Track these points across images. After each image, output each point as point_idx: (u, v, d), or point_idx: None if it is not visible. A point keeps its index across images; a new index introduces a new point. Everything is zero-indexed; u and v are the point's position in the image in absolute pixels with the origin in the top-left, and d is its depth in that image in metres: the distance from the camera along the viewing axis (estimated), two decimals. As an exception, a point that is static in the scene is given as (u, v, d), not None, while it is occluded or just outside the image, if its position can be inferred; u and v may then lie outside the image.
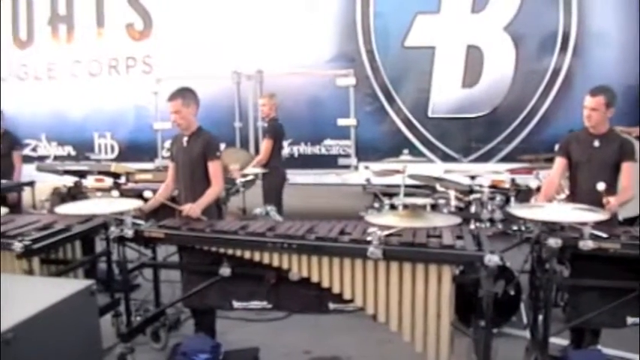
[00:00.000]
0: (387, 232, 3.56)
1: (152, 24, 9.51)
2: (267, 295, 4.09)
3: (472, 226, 5.31)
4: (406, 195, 5.71)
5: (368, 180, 6.19)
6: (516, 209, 4.31)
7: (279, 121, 7.40)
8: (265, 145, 7.18)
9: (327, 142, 8.56)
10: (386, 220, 3.74)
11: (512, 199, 5.96)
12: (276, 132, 7.27)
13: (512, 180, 6.62)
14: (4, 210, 4.76)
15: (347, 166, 8.40)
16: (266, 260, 3.86)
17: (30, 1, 10.24)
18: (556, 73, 7.78)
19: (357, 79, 8.36)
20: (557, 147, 4.56)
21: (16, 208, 6.80)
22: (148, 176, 6.96)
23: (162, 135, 8.97)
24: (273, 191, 7.10)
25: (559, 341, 4.33)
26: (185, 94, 4.68)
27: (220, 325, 4.78)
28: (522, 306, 4.87)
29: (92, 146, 9.93)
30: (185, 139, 4.70)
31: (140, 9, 9.51)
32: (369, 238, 3.54)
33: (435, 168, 7.50)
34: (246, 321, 5.19)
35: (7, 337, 2.45)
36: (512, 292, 4.73)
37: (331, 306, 3.98)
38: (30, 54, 10.40)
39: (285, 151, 8.27)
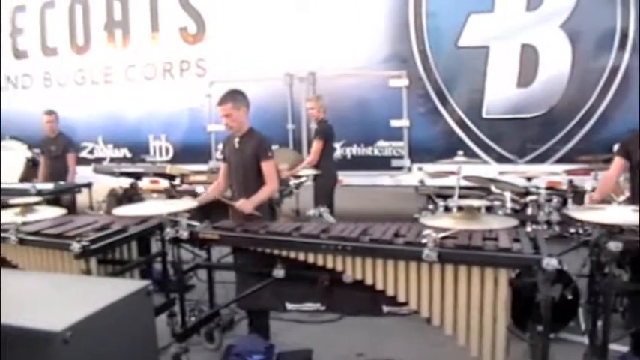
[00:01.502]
0: (442, 235, 3.52)
1: (205, 27, 9.60)
2: (321, 296, 4.09)
3: (528, 229, 5.21)
4: (460, 197, 5.64)
5: (422, 181, 6.11)
6: (575, 211, 4.21)
7: (328, 122, 7.40)
8: (315, 146, 7.19)
9: (380, 143, 8.51)
10: (441, 222, 3.69)
11: (570, 201, 5.84)
12: (326, 133, 7.28)
13: (570, 181, 6.47)
14: (63, 211, 4.87)
15: (400, 168, 8.34)
16: (320, 262, 3.85)
17: (87, 7, 10.48)
18: (614, 71, 7.56)
19: (410, 80, 8.28)
20: (616, 147, 4.45)
21: (71, 209, 6.95)
22: (203, 178, 7.01)
23: (216, 137, 9.05)
24: (325, 193, 7.11)
25: (618, 348, 4.20)
26: (235, 96, 4.71)
27: (273, 327, 4.80)
28: (580, 311, 4.75)
29: (147, 148, 10.08)
30: (236, 140, 4.73)
31: (193, 13, 9.61)
32: (424, 241, 3.50)
33: (490, 169, 7.40)
34: (299, 322, 5.19)
35: (65, 336, 2.49)
36: (569, 297, 4.63)
37: (385, 308, 3.96)
38: (87, 59, 10.63)
39: (338, 152, 8.28)
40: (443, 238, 3.53)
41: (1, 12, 11.30)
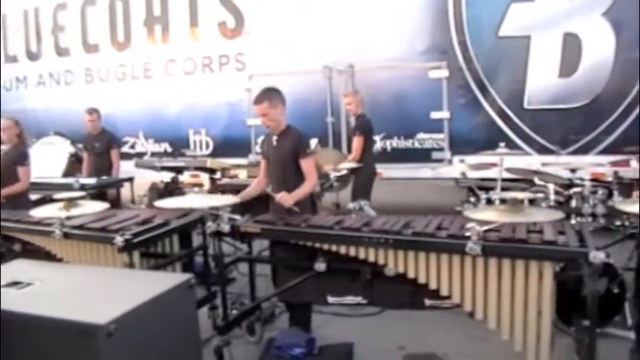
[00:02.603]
0: (485, 228, 3.47)
1: (244, 22, 9.62)
2: (362, 290, 4.07)
3: (573, 221, 5.12)
4: (502, 189, 5.57)
5: (463, 174, 6.05)
6: (621, 204, 4.12)
7: (366, 116, 7.38)
8: (356, 142, 7.18)
9: (420, 135, 8.44)
10: (484, 215, 3.64)
11: (616, 192, 5.71)
12: (365, 128, 7.26)
13: (615, 173, 6.34)
14: (106, 205, 4.92)
15: (440, 160, 8.26)
16: (361, 255, 3.84)
17: (127, 4, 10.59)
18: (659, 59, 7.39)
19: (450, 71, 8.20)
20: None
21: (115, 203, 7.04)
22: (243, 171, 7.05)
23: (256, 131, 9.07)
24: (363, 186, 7.09)
25: (666, 343, 4.12)
26: (271, 95, 4.72)
27: (314, 320, 4.82)
28: (627, 305, 4.65)
29: (187, 143, 10.15)
30: (275, 138, 4.74)
31: (232, 7, 9.65)
32: (467, 234, 3.45)
33: (532, 161, 7.30)
34: (340, 316, 5.19)
35: (109, 329, 2.52)
36: (615, 291, 4.54)
37: (427, 302, 3.93)
38: (127, 55, 10.75)
39: (378, 145, 8.23)
40: (486, 231, 3.48)
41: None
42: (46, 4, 11.42)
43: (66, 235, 4.46)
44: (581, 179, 5.81)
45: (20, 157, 6.20)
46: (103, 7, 10.79)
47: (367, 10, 8.68)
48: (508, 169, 6.09)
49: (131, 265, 4.15)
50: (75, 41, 11.21)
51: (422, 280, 3.69)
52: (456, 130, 8.27)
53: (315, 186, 4.80)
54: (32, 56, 11.80)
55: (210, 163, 7.20)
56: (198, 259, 5.06)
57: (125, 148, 10.14)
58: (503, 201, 3.97)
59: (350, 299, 4.15)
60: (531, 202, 5.32)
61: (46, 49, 11.58)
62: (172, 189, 7.12)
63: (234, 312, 4.68)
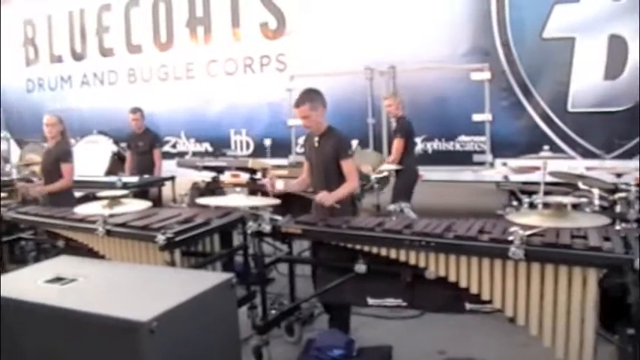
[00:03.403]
0: (529, 232, 3.42)
1: (285, 23, 9.65)
2: (403, 292, 4.05)
3: (618, 227, 5.02)
4: (544, 193, 5.49)
5: (505, 177, 5.98)
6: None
7: (407, 119, 7.34)
8: (396, 144, 7.16)
9: (462, 138, 8.35)
10: (527, 220, 3.59)
11: (663, 199, 5.59)
12: (406, 130, 7.24)
13: (662, 179, 6.21)
14: (148, 204, 4.98)
15: (482, 163, 8.17)
16: (402, 258, 3.82)
17: (169, 5, 10.71)
18: None
19: (493, 74, 8.08)
20: None
21: (156, 202, 7.12)
22: (284, 172, 7.06)
23: (296, 131, 9.08)
24: (405, 189, 7.06)
25: None
26: (312, 97, 4.70)
27: (353, 322, 4.80)
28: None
29: (228, 143, 10.21)
30: (316, 139, 4.73)
31: (274, 8, 9.69)
32: (510, 238, 3.41)
33: (576, 164, 7.17)
34: (380, 318, 5.16)
35: (151, 326, 2.54)
36: (661, 299, 4.43)
37: (468, 306, 3.88)
38: (170, 55, 10.87)
39: (419, 147, 8.18)
40: (530, 235, 3.43)
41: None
42: (91, 6, 11.63)
43: (108, 233, 4.54)
44: (627, 184, 5.68)
45: (63, 154, 6.29)
46: (146, 8, 10.93)
47: (409, 12, 8.64)
48: (551, 173, 5.99)
49: (172, 264, 4.20)
50: (119, 42, 11.39)
51: (463, 283, 3.65)
52: (497, 132, 8.16)
53: (356, 188, 4.77)
54: (77, 56, 12.02)
55: (251, 163, 7.22)
56: (238, 258, 5.09)
57: (166, 148, 10.25)
58: (546, 205, 3.90)
59: (390, 301, 4.12)
60: (575, 206, 5.23)
61: (91, 50, 11.79)
62: (213, 188, 7.16)
63: (274, 312, 4.69)
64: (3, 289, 3.09)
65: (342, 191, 4.57)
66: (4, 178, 8.48)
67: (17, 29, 12.64)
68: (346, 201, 4.68)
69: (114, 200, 4.65)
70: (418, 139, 8.16)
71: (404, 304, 4.10)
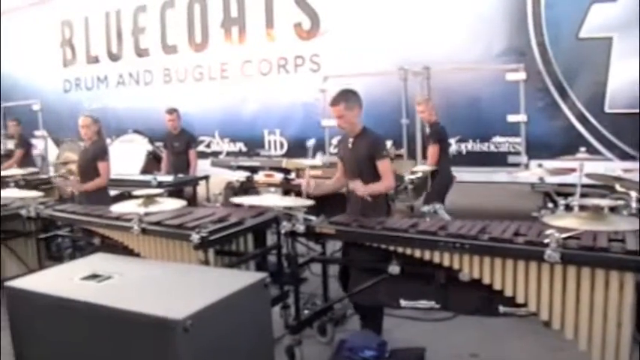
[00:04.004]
0: (565, 235, 3.38)
1: (319, 23, 9.65)
2: (436, 294, 4.03)
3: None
4: (580, 195, 5.41)
5: (541, 179, 5.90)
6: None
7: (440, 124, 7.32)
8: (431, 151, 7.16)
9: (496, 139, 8.26)
10: (564, 222, 3.54)
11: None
12: (439, 136, 7.23)
13: (702, 181, 6.08)
14: (183, 203, 5.02)
15: (516, 164, 8.08)
16: (436, 259, 3.81)
17: (204, 6, 10.77)
18: None
19: (528, 74, 7.96)
20: None
21: (190, 201, 7.18)
22: (318, 172, 7.06)
23: (330, 132, 9.07)
24: (438, 191, 7.02)
25: None
26: (348, 97, 4.69)
27: (385, 323, 4.77)
28: None
29: (262, 143, 10.25)
30: (350, 140, 4.72)
31: (307, 9, 9.70)
32: (546, 241, 3.37)
33: (612, 166, 7.07)
34: (412, 320, 5.11)
35: (185, 325, 2.57)
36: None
37: (501, 309, 3.85)
38: (205, 56, 10.94)
39: (453, 148, 8.12)
40: (566, 238, 3.39)
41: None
42: (127, 7, 11.76)
43: (144, 231, 4.60)
44: (666, 187, 5.59)
45: (99, 152, 6.36)
46: (181, 9, 11.02)
47: (443, 11, 8.58)
48: (588, 175, 5.91)
49: (206, 262, 4.23)
50: (154, 42, 11.51)
51: (497, 286, 3.63)
52: (533, 133, 8.05)
53: (391, 187, 4.74)
54: (113, 57, 12.17)
55: (285, 163, 7.24)
56: (272, 258, 5.10)
57: (201, 147, 10.31)
58: (583, 208, 3.85)
59: (423, 303, 4.11)
60: (612, 209, 5.15)
61: (127, 50, 11.92)
62: (247, 188, 7.19)
63: (306, 312, 4.70)
64: (41, 285, 3.15)
65: (376, 187, 4.57)
66: (41, 176, 8.63)
67: (55, 30, 12.84)
68: (380, 200, 4.67)
69: (149, 199, 4.69)
70: (452, 140, 8.10)
71: (437, 306, 4.09)
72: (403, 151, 8.60)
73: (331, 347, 4.70)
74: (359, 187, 4.49)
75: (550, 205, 5.60)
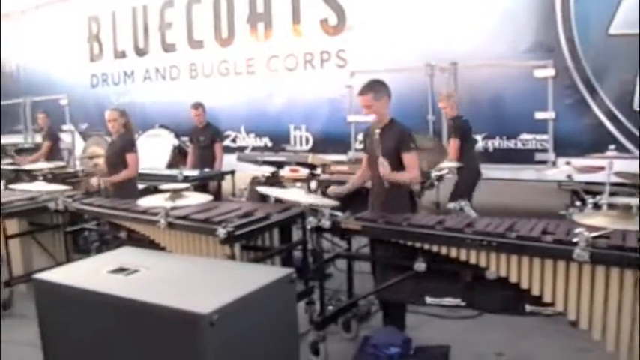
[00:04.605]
0: (595, 234, 3.34)
1: (345, 19, 9.63)
2: (462, 292, 4.00)
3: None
4: (609, 194, 5.35)
5: (569, 176, 5.84)
6: None
7: (463, 118, 7.26)
8: (451, 145, 7.12)
9: (523, 136, 8.19)
10: (593, 221, 3.50)
11: None
12: (461, 130, 7.16)
13: None
14: (209, 197, 5.04)
15: (544, 162, 8.00)
16: (463, 257, 3.78)
17: (231, 1, 10.81)
18: None
19: (556, 70, 7.87)
20: None
21: (216, 196, 7.20)
22: (344, 168, 7.06)
23: (356, 127, 9.06)
24: (466, 187, 6.98)
25: None
26: (376, 87, 4.68)
27: (410, 320, 4.77)
28: None
29: (288, 138, 10.27)
30: (377, 131, 4.69)
31: (334, 4, 9.68)
32: (575, 239, 3.33)
33: (640, 165, 6.98)
34: (436, 317, 5.11)
35: (211, 319, 2.57)
36: None
37: (528, 308, 3.81)
38: (231, 51, 10.97)
39: (479, 145, 8.06)
40: (595, 237, 3.35)
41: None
42: (154, 2, 11.83)
43: (170, 225, 4.62)
44: (697, 187, 5.51)
45: (127, 144, 6.40)
46: (207, 5, 11.06)
47: (471, 7, 8.53)
48: (616, 173, 5.84)
49: (232, 257, 4.25)
50: (180, 38, 11.55)
51: (524, 285, 3.59)
52: (560, 131, 7.96)
53: (416, 178, 4.71)
54: (140, 52, 12.25)
55: (311, 158, 7.23)
56: (297, 253, 5.11)
57: (226, 142, 10.35)
58: (612, 206, 3.80)
59: (448, 300, 4.09)
60: (640, 208, 5.08)
61: (153, 45, 11.99)
62: (273, 183, 7.19)
63: (331, 308, 4.69)
64: (68, 278, 3.18)
65: (401, 176, 4.55)
66: (69, 170, 8.72)
67: (82, 25, 12.94)
68: (403, 194, 4.66)
69: (176, 193, 4.72)
70: (479, 137, 8.05)
71: (463, 303, 4.06)
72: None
73: (356, 343, 4.69)
74: (385, 168, 4.46)
75: (578, 203, 5.55)
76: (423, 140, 6.60)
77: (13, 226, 5.83)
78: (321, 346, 4.40)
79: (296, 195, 4.58)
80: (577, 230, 3.34)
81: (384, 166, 4.45)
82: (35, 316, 3.25)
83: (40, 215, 6.00)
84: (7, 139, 13.02)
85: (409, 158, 4.58)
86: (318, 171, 7.03)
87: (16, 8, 13.79)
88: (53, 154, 9.76)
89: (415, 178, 4.70)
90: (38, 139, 11.14)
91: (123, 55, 12.50)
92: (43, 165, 8.18)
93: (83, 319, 3.02)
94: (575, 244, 3.32)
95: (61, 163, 9.19)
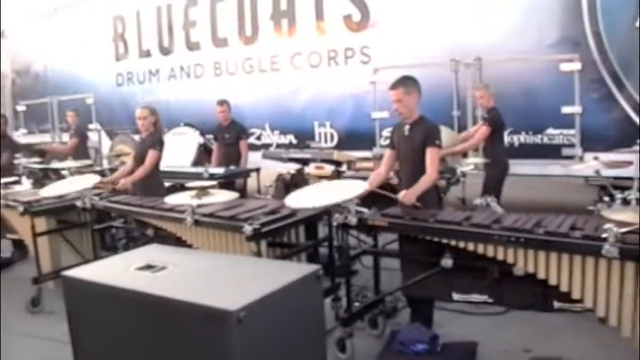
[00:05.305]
0: (624, 230, 3.29)
1: (369, 15, 9.60)
2: (489, 288, 4.00)
3: None
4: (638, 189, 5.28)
5: (597, 171, 5.77)
6: None
7: (498, 110, 7.20)
8: (481, 130, 7.05)
9: (550, 131, 8.10)
10: (622, 216, 3.46)
11: None
12: (496, 121, 7.09)
13: None
14: (235, 194, 5.06)
15: (570, 157, 7.91)
16: (490, 253, 3.75)
17: (254, -1, 10.82)
18: None
19: (583, 64, 7.76)
20: None
21: (241, 193, 7.22)
22: (369, 164, 7.05)
23: (380, 124, 9.04)
24: (494, 182, 6.94)
25: None
26: (407, 82, 4.67)
27: (437, 316, 4.75)
28: None
29: (312, 135, 10.25)
30: (407, 127, 4.69)
31: (357, 1, 9.65)
32: (604, 235, 3.29)
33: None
34: (463, 314, 5.09)
35: (239, 316, 2.58)
36: None
37: (556, 304, 3.80)
38: (255, 49, 10.98)
39: (505, 140, 8.00)
40: (624, 233, 3.30)
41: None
42: (178, 1, 11.87)
43: (196, 223, 4.64)
44: None
45: (153, 142, 6.43)
46: (231, 3, 11.07)
47: (495, 1, 8.46)
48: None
49: (258, 254, 4.25)
50: (205, 36, 11.58)
51: (552, 281, 3.55)
52: (588, 125, 7.86)
53: (434, 179, 4.65)
54: (164, 51, 12.29)
55: (336, 155, 7.22)
56: (323, 250, 5.11)
57: (251, 140, 10.36)
58: (640, 201, 3.77)
59: (475, 297, 4.09)
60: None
61: (178, 44, 12.03)
62: (298, 180, 7.20)
63: (357, 304, 4.69)
64: (97, 275, 3.21)
65: (420, 186, 4.51)
66: (96, 168, 8.79)
67: (107, 25, 13.04)
68: (431, 193, 4.65)
69: (202, 191, 4.74)
70: (505, 132, 7.98)
71: (490, 300, 4.06)
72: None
73: (382, 340, 4.70)
74: (408, 197, 4.42)
75: (606, 198, 5.49)
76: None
77: (41, 223, 5.89)
78: (347, 343, 4.40)
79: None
80: (606, 226, 3.31)
81: (405, 198, 4.43)
82: (63, 313, 3.28)
83: (68, 213, 6.06)
84: (35, 138, 13.19)
85: (431, 153, 4.56)
86: (344, 167, 7.03)
87: (46, 8, 13.93)
88: (80, 152, 9.82)
89: (434, 179, 4.63)
90: (65, 138, 11.22)
91: (148, 54, 12.57)
92: (71, 163, 8.25)
93: (111, 316, 3.05)
94: (605, 239, 3.28)
95: (88, 162, 9.26)
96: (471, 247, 3.83)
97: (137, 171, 6.36)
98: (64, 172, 7.37)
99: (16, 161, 8.69)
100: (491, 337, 4.66)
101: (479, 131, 7.11)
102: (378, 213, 4.33)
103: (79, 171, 7.72)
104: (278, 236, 4.64)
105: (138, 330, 2.94)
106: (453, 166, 6.39)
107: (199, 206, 4.69)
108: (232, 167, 8.15)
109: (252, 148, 9.65)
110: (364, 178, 4.97)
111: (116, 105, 12.77)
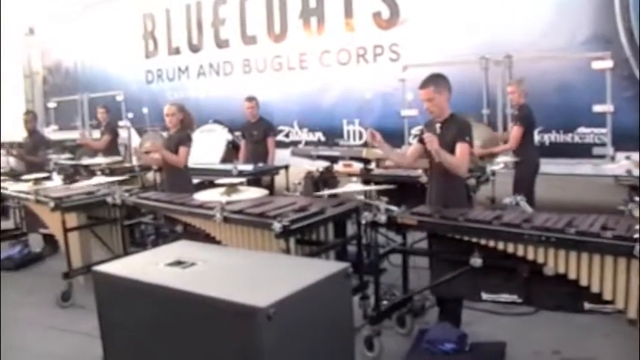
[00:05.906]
0: (656, 230, 3.26)
1: (399, 12, 9.57)
2: (519, 288, 3.96)
3: None
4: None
5: (629, 171, 5.70)
6: None
7: (529, 107, 7.13)
8: (515, 131, 7.00)
9: (581, 129, 8.01)
10: (655, 217, 3.43)
11: None
12: (527, 119, 7.04)
13: None
14: (264, 192, 5.08)
15: (602, 156, 7.82)
16: (520, 252, 3.73)
17: (284, -3, 10.84)
18: None
19: (615, 62, 7.65)
20: None
21: (270, 190, 7.23)
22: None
23: (409, 122, 9.01)
24: (525, 181, 6.87)
25: None
26: (437, 81, 4.65)
27: (465, 316, 4.73)
28: None
29: (341, 132, 10.26)
30: (438, 125, 4.67)
31: (387, -2, 9.65)
32: (635, 236, 3.26)
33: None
34: (492, 313, 5.06)
35: (269, 312, 2.58)
36: None
37: (587, 306, 3.75)
38: (284, 46, 11.00)
39: (536, 138, 7.92)
40: (656, 233, 3.27)
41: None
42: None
43: (226, 219, 4.67)
44: None
45: (182, 138, 6.46)
46: (260, 1, 11.11)
47: (526, -1, 8.40)
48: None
49: (287, 251, 4.27)
50: (234, 33, 11.63)
51: (583, 282, 3.53)
52: (619, 124, 7.74)
53: (461, 168, 4.59)
54: (194, 48, 12.38)
55: (366, 153, 7.20)
56: (351, 248, 5.11)
57: (280, 137, 10.40)
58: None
59: (505, 297, 4.05)
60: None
61: (207, 42, 12.10)
62: (327, 178, 7.19)
63: (385, 303, 4.69)
64: (127, 270, 3.24)
65: (449, 158, 4.48)
66: (125, 165, 8.87)
67: (137, 23, 13.15)
68: (460, 189, 4.66)
69: (231, 188, 4.76)
70: (535, 131, 7.90)
71: (519, 300, 4.02)
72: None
73: (410, 339, 4.68)
74: (434, 142, 4.41)
75: (637, 198, 5.41)
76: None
77: (72, 219, 5.98)
78: (375, 341, 4.39)
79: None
80: (638, 226, 3.27)
81: (432, 140, 4.41)
82: (93, 308, 3.31)
83: (98, 209, 6.13)
84: (65, 135, 13.33)
85: (461, 148, 4.54)
86: (372, 165, 7.01)
87: (75, 6, 14.09)
88: (112, 148, 9.92)
89: (461, 169, 4.61)
90: (95, 134, 11.34)
91: (177, 51, 12.65)
92: (101, 160, 8.35)
93: (141, 311, 3.07)
94: (637, 240, 3.26)
95: (118, 158, 9.35)
96: (500, 246, 3.81)
97: (172, 157, 6.36)
98: (94, 169, 7.44)
99: (46, 157, 8.80)
100: (520, 338, 4.63)
101: (513, 134, 7.06)
102: (408, 211, 4.33)
103: (110, 167, 7.81)
104: (307, 234, 4.64)
105: (167, 325, 2.96)
106: (483, 165, 6.34)
107: (228, 203, 4.71)
108: (260, 164, 8.17)
109: (281, 145, 9.69)
110: (394, 176, 4.96)
111: (146, 102, 12.86)
